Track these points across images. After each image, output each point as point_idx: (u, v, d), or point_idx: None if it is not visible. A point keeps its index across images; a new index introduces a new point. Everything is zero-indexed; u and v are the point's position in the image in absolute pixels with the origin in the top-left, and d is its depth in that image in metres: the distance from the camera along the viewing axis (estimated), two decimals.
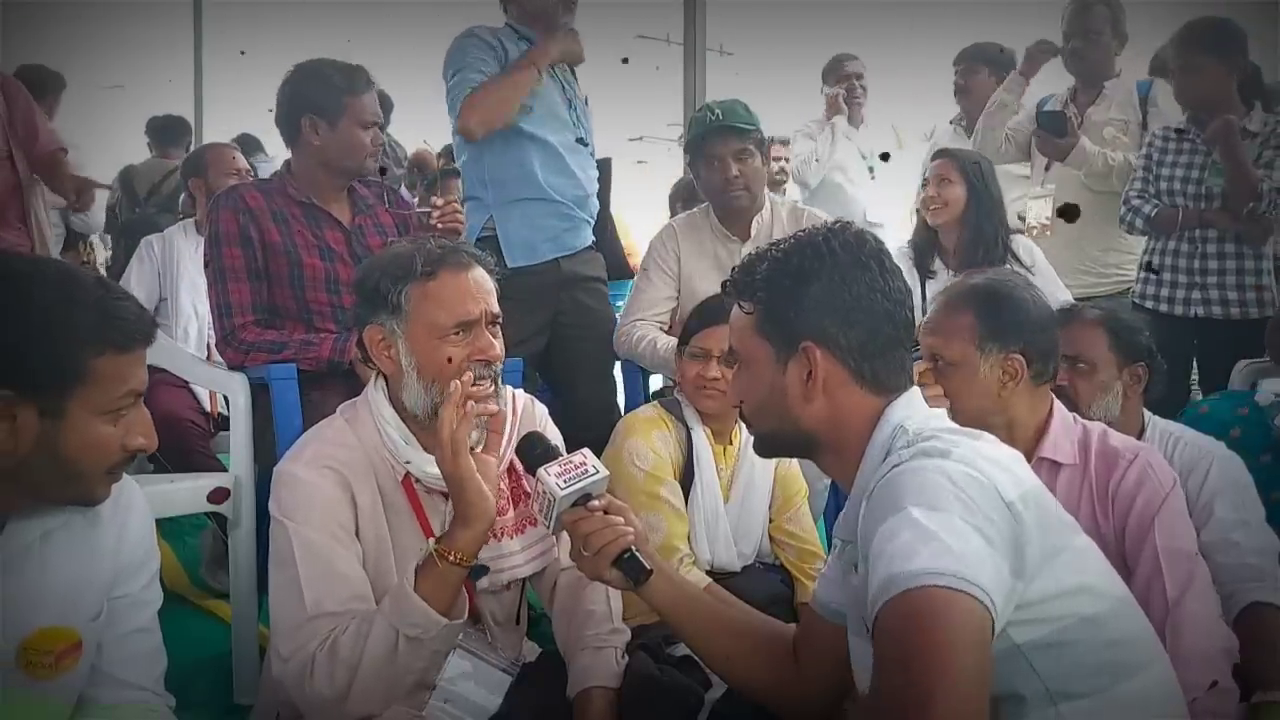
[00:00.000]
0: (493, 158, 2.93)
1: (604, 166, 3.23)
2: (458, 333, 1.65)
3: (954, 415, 1.42)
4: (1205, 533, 1.92)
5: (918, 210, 3.26)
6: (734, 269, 1.46)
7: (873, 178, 4.59)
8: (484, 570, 1.68)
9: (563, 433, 1.85)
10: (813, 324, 1.34)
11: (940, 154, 3.27)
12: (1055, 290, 3.11)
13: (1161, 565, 1.66)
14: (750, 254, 1.45)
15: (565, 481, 1.53)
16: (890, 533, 1.18)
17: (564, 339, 2.99)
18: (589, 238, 3.08)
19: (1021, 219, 3.75)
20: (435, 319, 1.65)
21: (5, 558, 1.30)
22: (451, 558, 1.55)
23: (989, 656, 1.11)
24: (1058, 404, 1.83)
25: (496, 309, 1.71)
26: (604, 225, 3.22)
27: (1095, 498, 1.73)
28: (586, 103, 3.10)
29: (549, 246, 2.94)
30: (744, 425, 1.97)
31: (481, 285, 1.69)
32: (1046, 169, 3.72)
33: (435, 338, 1.65)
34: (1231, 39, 3.23)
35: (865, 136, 4.66)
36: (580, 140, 3.02)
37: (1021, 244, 3.21)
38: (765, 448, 1.47)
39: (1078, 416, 1.85)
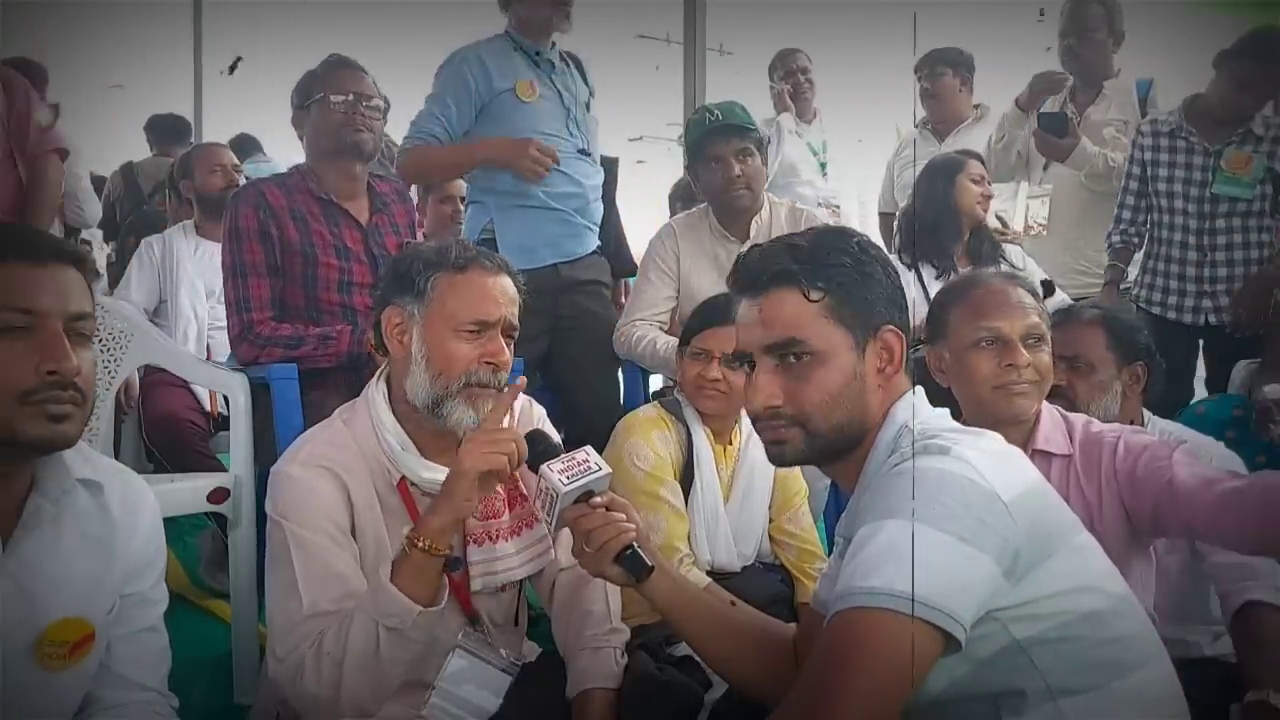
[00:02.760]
0: (492, 167, 2.97)
1: (610, 165, 3.23)
2: (473, 331, 1.67)
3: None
4: None
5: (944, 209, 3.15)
6: (745, 259, 1.40)
7: (824, 175, 4.45)
8: (459, 562, 1.68)
9: (565, 434, 1.85)
10: (887, 310, 1.36)
11: (977, 157, 3.23)
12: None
13: (1225, 477, 1.57)
14: (778, 240, 1.41)
15: (568, 478, 1.53)
16: (864, 539, 1.20)
17: (565, 342, 3.00)
18: (591, 244, 3.08)
19: (1001, 221, 3.76)
20: (455, 311, 1.67)
21: (23, 548, 1.30)
22: (420, 544, 1.54)
23: (913, 683, 1.14)
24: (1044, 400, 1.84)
25: (515, 322, 1.73)
26: (609, 223, 3.22)
27: (1084, 486, 1.72)
28: (589, 108, 3.09)
29: (547, 252, 2.96)
30: (749, 424, 1.95)
31: (506, 292, 1.72)
32: (1045, 168, 3.72)
33: (450, 329, 1.67)
34: None
35: (815, 131, 4.50)
36: (581, 151, 3.03)
37: (1013, 250, 3.22)
38: (814, 450, 1.36)
39: (1061, 409, 1.85)
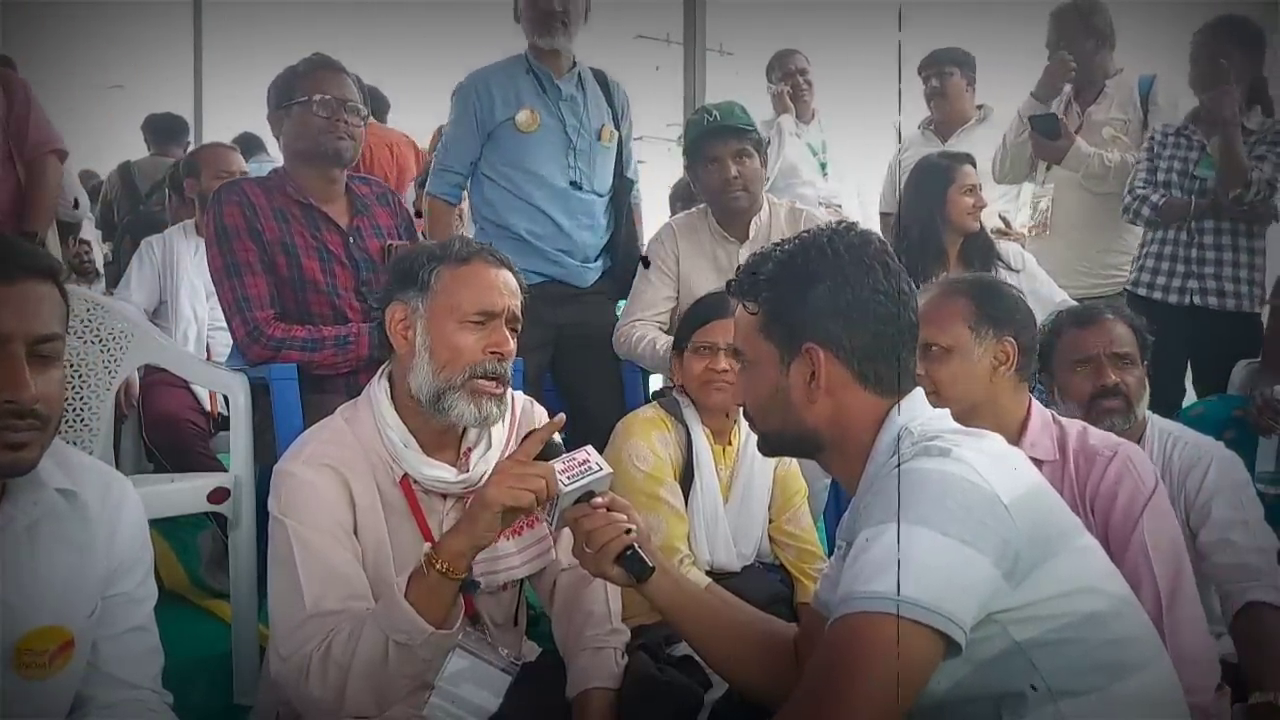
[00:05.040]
0: (493, 191, 3.02)
1: (627, 183, 3.20)
2: (477, 322, 1.68)
3: (943, 404, 1.44)
4: (1204, 532, 1.92)
5: (930, 216, 3.11)
6: (738, 269, 1.46)
7: (825, 175, 4.42)
8: (475, 585, 1.67)
9: (572, 438, 1.85)
10: (816, 325, 1.35)
11: (969, 160, 3.21)
12: (1051, 292, 3.11)
13: (1152, 567, 1.63)
14: (754, 255, 1.46)
15: (569, 478, 1.53)
16: (867, 542, 1.20)
17: (570, 348, 3.02)
18: (590, 278, 3.06)
19: (1004, 220, 3.74)
20: (460, 302, 1.68)
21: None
22: (439, 566, 1.54)
23: (916, 687, 1.15)
24: (1036, 403, 1.84)
25: (519, 315, 1.74)
26: (617, 242, 3.15)
27: (1076, 495, 1.72)
28: (601, 135, 3.06)
29: (538, 276, 2.94)
30: (746, 424, 1.96)
31: (509, 285, 1.73)
32: (1047, 169, 3.72)
33: (455, 320, 1.68)
34: (1259, 38, 3.26)
35: (814, 132, 4.48)
36: (574, 184, 3.01)
37: (1011, 249, 3.21)
38: (769, 447, 1.48)
39: (1056, 415, 1.85)
